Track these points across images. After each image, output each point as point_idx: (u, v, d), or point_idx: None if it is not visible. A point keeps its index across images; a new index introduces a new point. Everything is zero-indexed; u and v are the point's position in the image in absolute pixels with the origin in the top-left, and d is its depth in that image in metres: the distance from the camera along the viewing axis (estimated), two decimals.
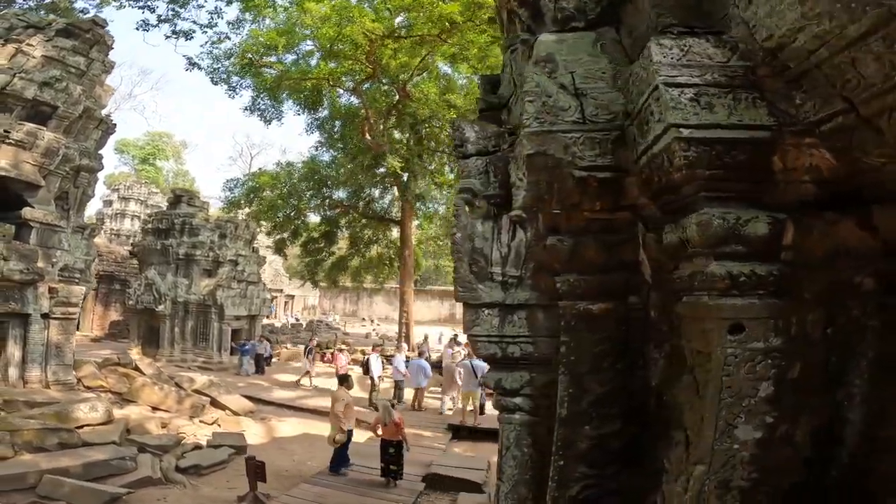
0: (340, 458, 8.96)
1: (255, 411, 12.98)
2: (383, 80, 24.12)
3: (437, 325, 41.58)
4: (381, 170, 25.41)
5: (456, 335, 22.55)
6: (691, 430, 1.91)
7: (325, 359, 21.77)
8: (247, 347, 18.16)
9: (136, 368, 11.92)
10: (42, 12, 13.15)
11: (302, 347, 22.95)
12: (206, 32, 19.54)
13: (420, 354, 15.41)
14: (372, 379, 14.35)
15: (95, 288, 19.63)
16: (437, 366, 20.76)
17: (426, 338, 22.01)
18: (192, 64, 22.63)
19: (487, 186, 2.48)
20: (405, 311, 24.70)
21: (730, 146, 1.67)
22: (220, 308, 18.21)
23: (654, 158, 1.82)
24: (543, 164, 2.11)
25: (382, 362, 16.10)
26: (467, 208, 2.48)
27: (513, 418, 2.75)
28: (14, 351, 9.39)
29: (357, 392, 12.95)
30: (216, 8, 26.79)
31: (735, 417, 1.73)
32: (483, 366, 12.90)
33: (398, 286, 39.01)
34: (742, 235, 1.68)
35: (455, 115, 23.67)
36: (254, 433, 11.38)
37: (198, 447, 9.35)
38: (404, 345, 19.72)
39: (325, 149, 27.22)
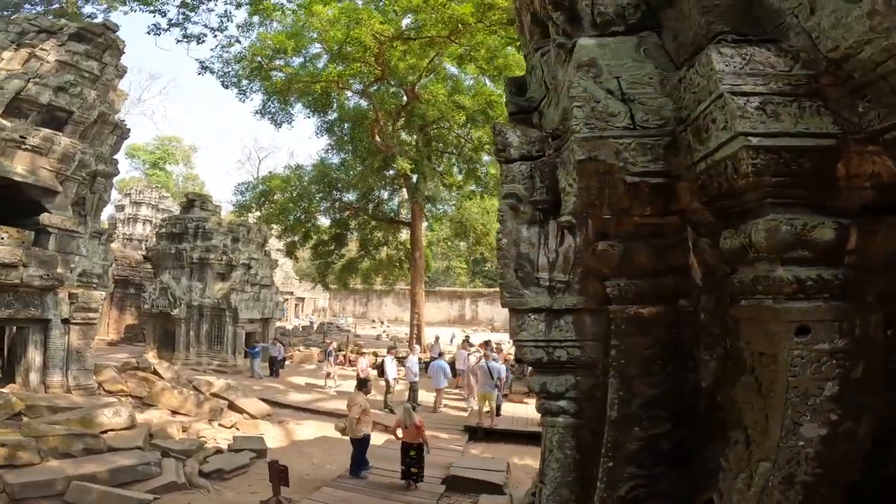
0: (359, 461, 8.99)
1: (273, 414, 13.04)
2: (392, 82, 24.18)
3: (446, 326, 41.61)
4: (391, 172, 25.49)
5: (468, 336, 22.58)
6: (753, 429, 1.95)
7: (339, 361, 21.86)
8: (256, 350, 18.24)
9: (155, 372, 12.01)
10: (50, 17, 13.16)
11: (315, 350, 23.07)
12: (216, 36, 19.68)
13: (440, 356, 15.43)
14: (387, 381, 14.39)
15: (111, 292, 19.81)
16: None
17: (437, 339, 22.00)
18: (203, 68, 22.76)
19: (532, 191, 2.49)
20: (416, 313, 24.74)
21: (797, 154, 1.70)
22: (234, 311, 18.33)
23: (716, 165, 1.84)
24: (594, 169, 2.13)
25: (396, 364, 16.12)
26: (512, 213, 2.49)
27: (556, 421, 2.77)
28: (35, 356, 9.48)
29: (372, 395, 13.00)
30: (226, 11, 26.89)
31: (800, 416, 1.78)
32: (499, 367, 12.93)
33: (408, 288, 39.13)
34: (808, 241, 1.70)
35: (464, 117, 23.74)
36: (272, 436, 11.42)
37: (219, 451, 9.40)
38: (416, 346, 19.75)
39: (334, 151, 27.33)
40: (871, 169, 1.74)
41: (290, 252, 26.50)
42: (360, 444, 8.96)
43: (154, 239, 28.38)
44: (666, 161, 2.11)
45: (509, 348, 22.23)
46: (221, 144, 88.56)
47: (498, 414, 12.73)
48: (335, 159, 27.24)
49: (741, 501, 1.94)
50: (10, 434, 7.12)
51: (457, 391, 16.97)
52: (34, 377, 9.36)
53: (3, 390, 8.85)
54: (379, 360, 15.51)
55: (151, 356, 17.58)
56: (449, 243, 31.34)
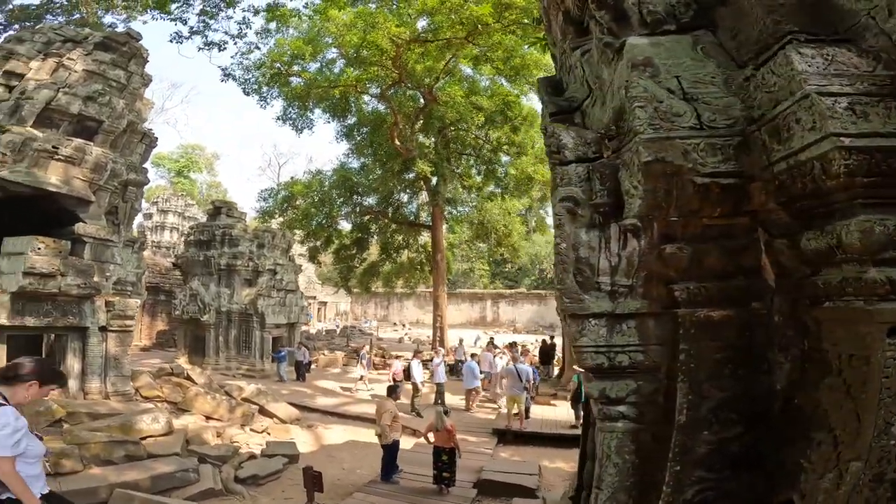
0: (390, 465, 9.00)
1: (301, 419, 13.15)
2: (409, 85, 24.29)
3: (467, 328, 41.59)
4: (410, 175, 25.60)
5: (492, 338, 22.52)
6: (842, 430, 1.92)
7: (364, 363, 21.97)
8: (282, 354, 18.48)
9: (189, 378, 12.21)
10: (72, 27, 13.41)
11: (340, 354, 23.25)
12: (236, 43, 19.95)
13: (472, 357, 15.43)
14: (414, 385, 14.41)
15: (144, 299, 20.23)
16: None
17: (461, 341, 22.00)
18: (226, 75, 23.15)
19: (591, 194, 2.45)
20: (439, 316, 24.79)
21: (888, 154, 1.68)
22: (262, 317, 18.59)
23: (800, 165, 1.81)
24: (661, 171, 2.09)
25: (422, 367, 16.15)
26: (570, 217, 2.45)
27: (615, 427, 2.71)
28: (74, 363, 9.70)
29: (400, 399, 13.04)
30: (244, 18, 27.34)
31: (893, 416, 1.74)
32: (527, 369, 12.85)
33: (429, 290, 39.24)
34: None
35: (482, 118, 23.72)
36: (302, 441, 11.50)
37: (252, 457, 9.47)
38: (441, 349, 19.76)
39: (354, 156, 27.56)
40: None
41: (312, 257, 26.79)
42: (390, 450, 8.97)
43: (182, 246, 28.96)
44: (737, 161, 2.07)
45: (534, 349, 22.13)
46: (242, 151, 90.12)
47: (527, 416, 12.66)
48: (355, 164, 27.50)
49: (828, 500, 1.92)
50: (53, 441, 7.25)
51: (483, 393, 16.95)
52: (73, 384, 9.57)
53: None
54: (404, 363, 15.53)
55: (183, 361, 17.89)
56: (470, 245, 31.28)
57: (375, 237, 28.02)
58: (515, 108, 24.10)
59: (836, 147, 1.66)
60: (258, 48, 23.07)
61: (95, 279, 9.70)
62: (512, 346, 19.22)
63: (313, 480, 7.59)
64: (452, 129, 25.28)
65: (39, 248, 8.91)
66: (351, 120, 26.57)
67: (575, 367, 12.82)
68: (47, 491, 3.02)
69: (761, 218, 2.14)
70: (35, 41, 10.84)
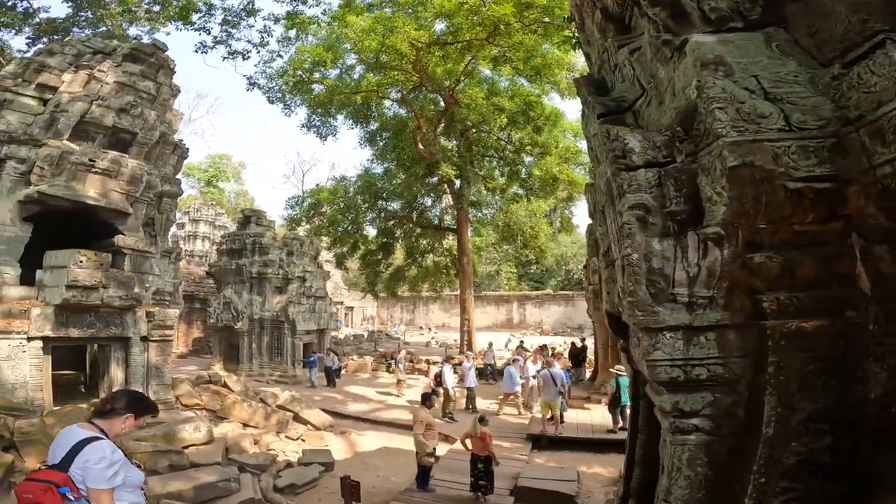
0: (425, 473, 8.92)
1: (335, 425, 13.19)
2: (429, 88, 24.29)
3: (493, 330, 41.34)
4: (434, 179, 25.60)
5: (522, 342, 22.31)
6: None
7: (391, 369, 22.01)
8: (313, 360, 18.64)
9: (225, 385, 12.38)
10: (100, 39, 13.56)
11: (369, 359, 23.33)
12: (259, 52, 20.17)
13: (513, 362, 15.31)
14: (446, 390, 14.34)
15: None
16: (501, 373, 20.62)
17: (490, 345, 21.85)
18: (251, 84, 23.44)
19: (662, 201, 2.35)
20: (466, 319, 24.68)
21: None
22: (292, 323, 18.79)
23: None
24: (749, 176, 1.99)
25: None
26: (640, 226, 2.35)
27: (688, 439, 2.63)
28: (117, 372, 9.89)
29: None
30: (265, 27, 27.67)
31: None
32: (562, 373, 12.65)
33: (454, 294, 39.17)
34: None
35: (505, 119, 23.59)
36: (336, 448, 11.50)
37: (289, 465, 9.50)
38: (469, 353, 19.66)
39: (378, 161, 27.69)
40: None
41: (339, 263, 27.00)
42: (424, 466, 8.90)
43: (213, 255, 29.51)
44: (833, 164, 1.96)
45: (563, 351, 21.83)
46: (267, 159, 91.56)
47: (561, 421, 12.46)
48: (378, 169, 27.63)
49: None
50: None
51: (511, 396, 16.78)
52: None
53: (88, 406, 9.29)
54: (438, 369, 15.46)
55: (218, 368, 18.19)
56: (497, 248, 31.11)
57: (401, 242, 28.10)
58: (537, 108, 23.91)
59: None
60: (280, 56, 23.35)
61: (136, 290, 9.87)
62: (542, 349, 19.01)
63: (351, 490, 7.56)
64: (474, 131, 25.21)
65: (81, 262, 9.10)
66: (373, 126, 26.72)
67: (611, 369, 12.57)
68: None
69: (856, 223, 2.02)
70: (65, 53, 10.90)
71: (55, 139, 9.97)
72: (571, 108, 38.32)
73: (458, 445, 10.36)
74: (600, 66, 5.00)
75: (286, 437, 11.50)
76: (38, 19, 16.22)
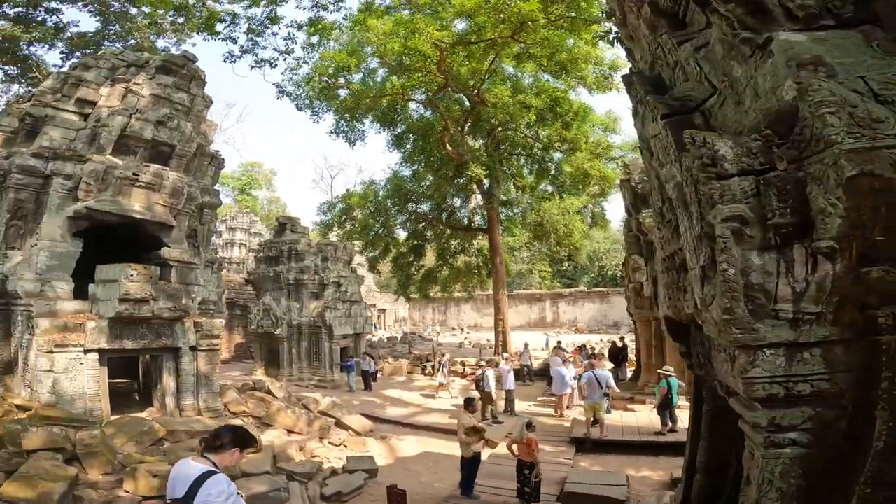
0: (469, 479, 8.84)
1: (374, 430, 13.23)
2: (454, 89, 24.18)
3: (526, 329, 40.99)
4: (462, 179, 25.51)
5: (559, 342, 21.98)
6: None
7: (426, 371, 22.05)
8: (350, 364, 18.83)
9: (269, 392, 12.56)
10: (131, 52, 13.64)
11: (404, 362, 23.42)
12: (285, 59, 20.38)
13: (564, 363, 15.11)
14: (488, 393, 14.25)
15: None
16: (538, 374, 20.37)
17: (526, 346, 21.63)
18: (281, 92, 23.74)
19: (760, 212, 2.21)
20: (500, 320, 24.51)
21: None
22: (330, 328, 19.02)
23: None
24: (868, 185, 1.84)
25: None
26: (736, 239, 2.22)
27: (782, 453, 2.57)
28: (169, 382, 10.14)
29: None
30: (289, 34, 27.95)
31: None
32: (606, 375, 12.40)
33: (485, 294, 39.01)
34: None
35: (534, 116, 23.28)
36: (377, 453, 11.48)
37: (335, 473, 9.52)
38: (505, 354, 19.50)
39: (406, 164, 27.77)
40: None
41: (372, 267, 27.20)
42: (471, 463, 8.82)
43: (250, 261, 30.10)
44: None
45: (601, 350, 21.43)
46: (296, 165, 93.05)
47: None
48: (406, 172, 27.69)
49: None
50: (156, 462, 7.57)
51: (550, 398, 16.55)
52: (170, 401, 10.01)
53: (144, 415, 9.54)
54: (481, 372, 15.32)
55: (260, 373, 18.57)
56: (529, 246, 30.84)
57: (431, 243, 28.13)
58: (565, 103, 23.56)
59: None
60: (306, 63, 23.51)
61: (184, 302, 10.08)
62: (581, 349, 18.70)
63: (398, 500, 7.54)
64: (500, 129, 25.01)
65: (132, 275, 9.35)
66: (399, 128, 26.78)
67: (660, 370, 12.22)
68: None
69: None
70: (100, 67, 11.05)
71: (98, 154, 10.16)
72: (600, 103, 37.61)
73: (500, 450, 10.25)
74: (651, 63, 4.82)
75: (329, 443, 11.58)
76: (69, 34, 16.64)
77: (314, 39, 23.07)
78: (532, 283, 49.10)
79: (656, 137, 3.75)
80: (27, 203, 9.89)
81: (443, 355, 19.35)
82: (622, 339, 20.13)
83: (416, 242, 27.04)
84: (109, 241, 10.46)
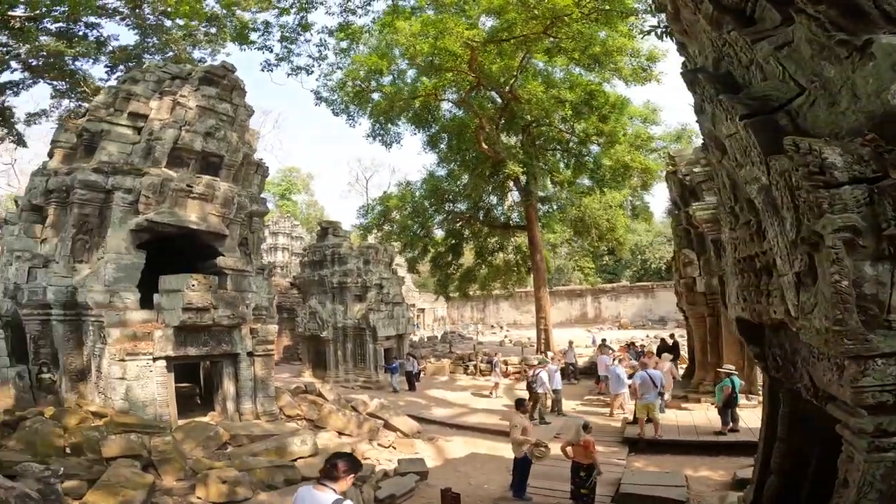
0: (521, 480, 8.79)
1: (421, 431, 13.30)
2: (487, 86, 24.03)
3: (567, 326, 40.40)
4: (499, 177, 25.38)
5: (605, 339, 21.63)
6: None
7: (468, 371, 22.06)
8: (395, 366, 19.06)
9: (320, 395, 12.84)
10: (173, 65, 13.45)
11: (446, 361, 23.52)
12: (320, 66, 20.53)
13: (619, 362, 14.93)
14: (536, 394, 14.17)
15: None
16: (584, 372, 20.10)
17: (571, 343, 21.36)
18: (319, 98, 24.11)
19: (874, 221, 2.12)
20: (542, 317, 24.30)
21: None
22: (373, 330, 19.30)
23: None
24: None
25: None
26: (848, 249, 2.14)
27: (886, 457, 2.59)
28: (229, 387, 10.50)
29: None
30: (321, 40, 28.30)
31: None
32: (659, 374, 12.12)
33: (524, 291, 38.69)
34: None
35: (570, 110, 22.90)
36: (425, 455, 11.44)
37: (386, 475, 9.55)
38: (550, 353, 19.31)
39: (441, 164, 27.83)
40: None
41: (412, 267, 27.41)
42: (523, 464, 8.77)
43: (294, 265, 30.78)
44: None
45: (651, 346, 20.94)
46: (333, 168, 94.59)
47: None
48: (442, 172, 27.74)
49: None
50: (223, 466, 7.77)
51: (597, 398, 16.31)
52: (230, 406, 10.38)
53: (207, 419, 9.91)
54: (533, 372, 15.23)
55: (308, 375, 19.03)
56: (571, 243, 30.39)
57: (469, 242, 28.12)
58: (600, 96, 23.08)
59: None
60: (339, 68, 23.78)
61: (240, 309, 10.42)
62: (629, 346, 18.33)
63: (452, 503, 7.57)
64: (535, 125, 24.75)
65: (193, 285, 9.71)
66: (433, 129, 26.82)
67: (720, 369, 11.85)
68: None
69: None
70: (147, 80, 11.35)
71: (154, 167, 10.51)
72: (637, 95, 36.66)
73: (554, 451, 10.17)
74: (716, 60, 4.68)
75: (378, 444, 11.69)
76: (110, 48, 17.09)
77: (344, 44, 23.34)
78: (571, 279, 48.40)
79: (732, 137, 3.63)
80: (91, 217, 10.37)
81: (494, 355, 19.33)
82: (672, 335, 19.63)
83: (454, 242, 27.08)
84: (168, 251, 10.86)
